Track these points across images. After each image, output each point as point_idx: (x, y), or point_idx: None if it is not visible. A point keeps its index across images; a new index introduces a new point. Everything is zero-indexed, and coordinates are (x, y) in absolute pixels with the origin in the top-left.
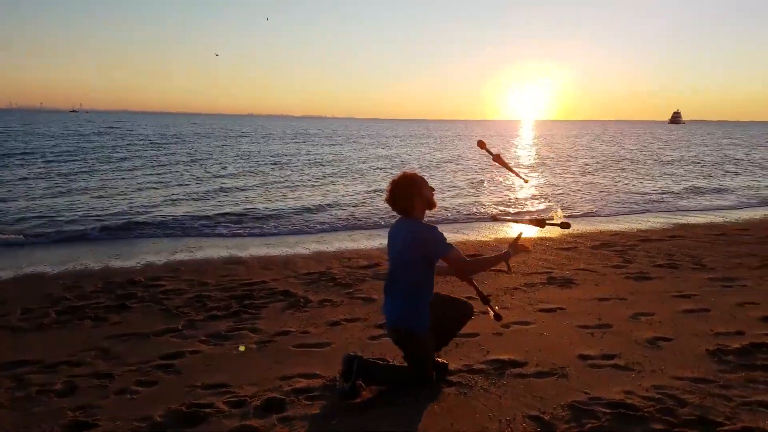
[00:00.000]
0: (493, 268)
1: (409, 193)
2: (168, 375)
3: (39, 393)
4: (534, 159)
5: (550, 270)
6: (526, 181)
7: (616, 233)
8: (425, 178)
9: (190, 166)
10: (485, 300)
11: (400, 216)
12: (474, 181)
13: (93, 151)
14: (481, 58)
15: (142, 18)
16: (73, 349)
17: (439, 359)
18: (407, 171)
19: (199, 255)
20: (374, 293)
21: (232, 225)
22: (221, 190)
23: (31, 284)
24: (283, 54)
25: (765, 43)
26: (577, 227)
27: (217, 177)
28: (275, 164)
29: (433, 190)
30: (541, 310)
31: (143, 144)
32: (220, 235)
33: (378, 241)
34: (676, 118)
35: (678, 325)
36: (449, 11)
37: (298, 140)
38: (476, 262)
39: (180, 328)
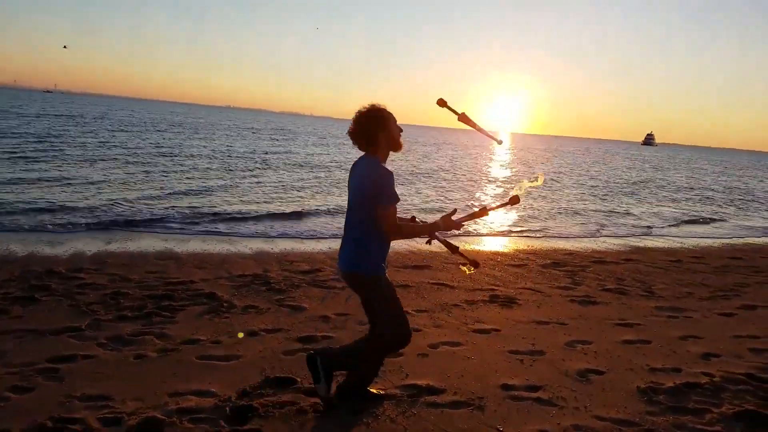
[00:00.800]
0: (423, 237)
1: (374, 125)
2: (49, 381)
3: None
4: (511, 172)
5: (495, 287)
6: (499, 142)
7: (570, 252)
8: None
9: (157, 157)
10: (454, 249)
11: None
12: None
13: (63, 137)
14: (457, 65)
15: (122, 2)
16: None
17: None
18: (377, 103)
19: (134, 248)
20: (305, 301)
21: (183, 220)
22: (182, 184)
23: None
24: (267, 48)
25: (740, 73)
26: (532, 244)
27: (181, 171)
28: (241, 161)
29: (401, 130)
30: (475, 331)
31: (113, 131)
32: (166, 229)
33: (327, 245)
34: (649, 140)
35: (613, 357)
36: (427, 15)
37: (278, 137)
38: (404, 227)
39: (83, 327)
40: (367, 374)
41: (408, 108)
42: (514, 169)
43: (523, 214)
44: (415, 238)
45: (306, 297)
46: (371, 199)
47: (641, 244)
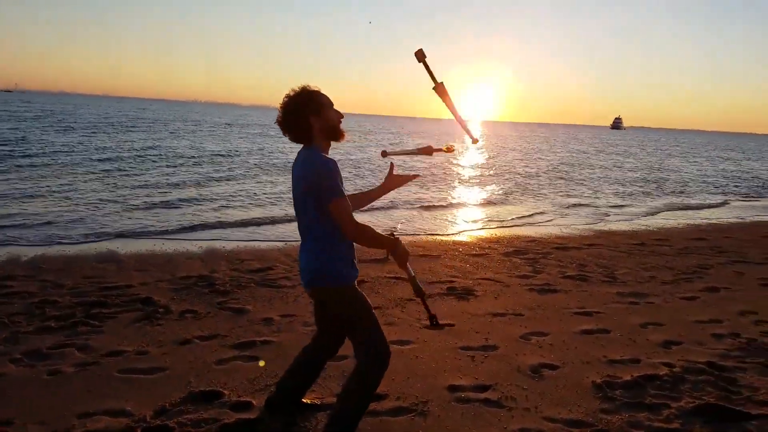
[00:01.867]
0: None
1: (303, 112)
2: None
3: None
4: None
5: (453, 279)
6: (474, 141)
7: (532, 239)
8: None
9: (117, 152)
10: (419, 293)
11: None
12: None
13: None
14: (430, 56)
15: None
16: None
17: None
18: (308, 85)
19: (73, 251)
20: (250, 303)
21: (134, 218)
22: (143, 182)
23: None
24: (238, 40)
25: (710, 51)
26: (496, 232)
27: (142, 171)
28: (205, 157)
29: (341, 116)
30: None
31: (77, 130)
32: (111, 230)
33: (284, 240)
34: (617, 124)
35: (570, 350)
36: (394, 7)
37: (249, 132)
38: (368, 229)
39: None
40: (354, 413)
41: (384, 99)
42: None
43: (492, 206)
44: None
45: (252, 298)
46: (316, 200)
47: (605, 228)
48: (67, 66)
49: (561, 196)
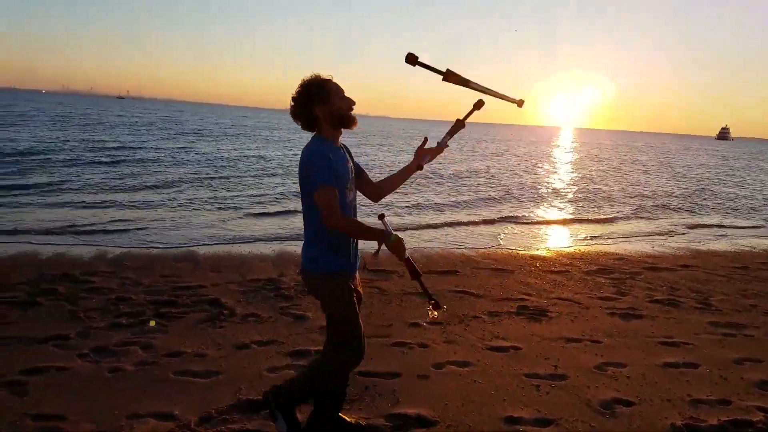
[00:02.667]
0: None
1: (309, 100)
2: (12, 395)
3: None
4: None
5: (526, 297)
6: (519, 103)
7: (620, 257)
8: None
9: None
10: (415, 275)
11: None
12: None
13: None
14: (523, 61)
15: (186, 13)
16: None
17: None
18: (318, 74)
19: (157, 250)
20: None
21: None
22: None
23: None
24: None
25: None
26: (580, 248)
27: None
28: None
29: (352, 102)
30: (491, 348)
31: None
32: (193, 228)
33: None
34: (724, 134)
35: (649, 385)
36: (487, 13)
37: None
38: (352, 219)
39: (71, 336)
40: (327, 402)
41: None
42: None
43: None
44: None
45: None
46: (308, 188)
47: (703, 248)
48: (174, 75)
49: (669, 211)
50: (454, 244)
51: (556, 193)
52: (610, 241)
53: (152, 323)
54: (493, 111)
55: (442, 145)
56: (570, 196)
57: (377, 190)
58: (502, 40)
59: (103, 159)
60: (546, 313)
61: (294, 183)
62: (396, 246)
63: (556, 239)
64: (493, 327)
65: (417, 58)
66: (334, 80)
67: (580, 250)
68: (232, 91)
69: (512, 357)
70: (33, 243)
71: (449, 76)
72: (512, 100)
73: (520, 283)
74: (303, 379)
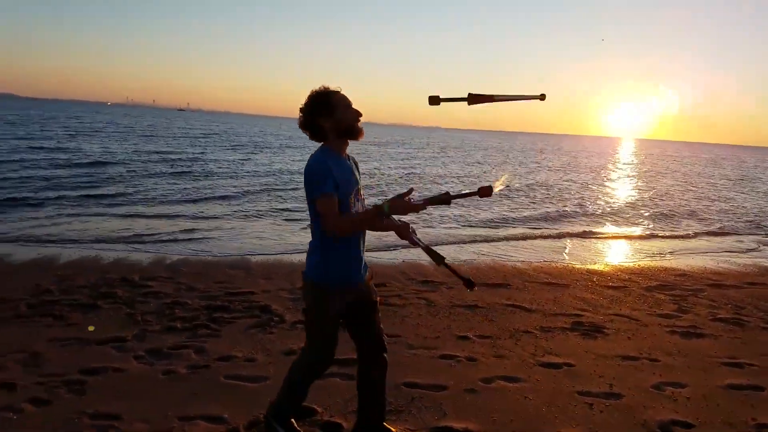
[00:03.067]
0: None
1: (314, 112)
2: (70, 394)
3: None
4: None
5: (581, 312)
6: (541, 98)
7: (683, 273)
8: None
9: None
10: (438, 260)
11: None
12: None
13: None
14: (580, 72)
15: (245, 29)
16: (6, 349)
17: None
18: (326, 86)
19: (212, 257)
20: None
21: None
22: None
23: (34, 270)
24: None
25: None
26: (639, 262)
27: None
28: None
29: (359, 114)
30: (543, 365)
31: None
32: (250, 236)
33: (402, 256)
34: None
35: (710, 407)
36: (545, 18)
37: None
38: (347, 218)
39: (128, 338)
40: (283, 399)
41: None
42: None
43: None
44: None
45: None
46: (309, 196)
47: None
48: (233, 88)
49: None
50: (505, 256)
51: (616, 205)
52: (671, 256)
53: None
54: (553, 121)
55: (417, 205)
56: (630, 208)
57: None
58: (558, 49)
59: (168, 170)
60: (602, 330)
61: None
62: (393, 208)
63: (614, 253)
64: (545, 342)
65: (439, 96)
66: (342, 92)
67: (639, 265)
68: (289, 104)
69: (565, 374)
70: (95, 248)
71: (473, 100)
72: (534, 97)
73: (575, 298)
74: (283, 383)
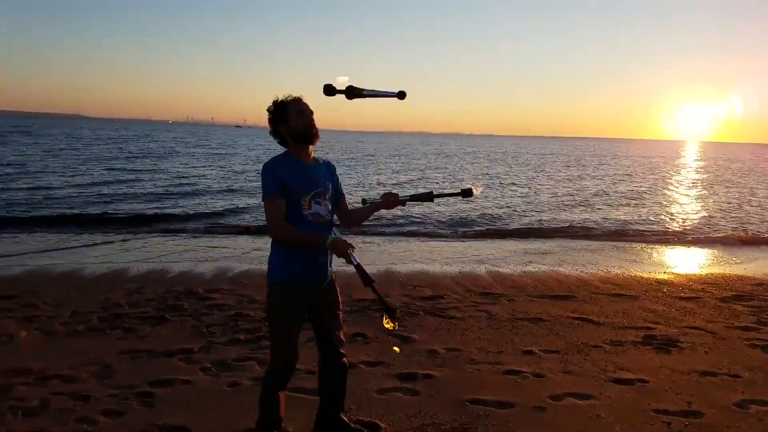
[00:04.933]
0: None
1: (272, 119)
2: (140, 406)
3: (11, 408)
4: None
5: (653, 325)
6: (399, 96)
7: (760, 283)
8: None
9: None
10: (368, 283)
11: None
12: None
13: None
14: (642, 75)
15: (296, 47)
16: (80, 361)
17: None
18: (283, 95)
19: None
20: (417, 332)
21: None
22: None
23: (105, 284)
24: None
25: None
26: (713, 271)
27: None
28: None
29: (307, 120)
30: (615, 381)
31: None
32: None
33: (458, 268)
34: None
35: None
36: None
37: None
38: (292, 228)
39: (195, 350)
40: (260, 418)
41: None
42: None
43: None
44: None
45: (419, 327)
46: None
47: None
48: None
49: None
50: (569, 265)
51: (685, 211)
52: (746, 264)
53: (396, 349)
54: (614, 126)
55: (402, 201)
56: (700, 214)
57: (346, 219)
58: (619, 51)
59: (234, 187)
60: (676, 344)
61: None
62: (334, 246)
63: (685, 262)
64: (616, 357)
65: (335, 88)
66: (300, 99)
67: (712, 274)
68: (332, 119)
69: (639, 391)
70: (163, 262)
71: (330, 91)
72: (392, 95)
73: (646, 310)
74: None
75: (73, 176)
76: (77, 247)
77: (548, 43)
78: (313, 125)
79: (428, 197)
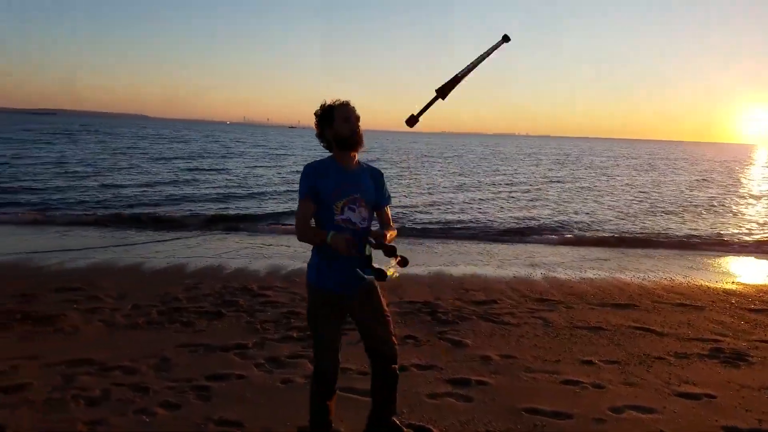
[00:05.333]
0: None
1: (320, 124)
2: (197, 400)
3: (74, 397)
4: None
5: (720, 337)
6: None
7: None
8: None
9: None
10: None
11: None
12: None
13: None
14: (712, 75)
15: (352, 49)
16: (140, 353)
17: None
18: (329, 100)
19: None
20: (470, 336)
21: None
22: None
23: (165, 278)
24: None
25: None
26: None
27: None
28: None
29: (352, 127)
30: (679, 395)
31: None
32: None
33: (513, 272)
34: None
35: None
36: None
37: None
38: (308, 229)
39: (249, 345)
40: (310, 413)
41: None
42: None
43: None
44: None
45: (471, 332)
46: None
47: None
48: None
49: None
50: (630, 273)
51: (754, 218)
52: None
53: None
54: (682, 129)
55: (351, 247)
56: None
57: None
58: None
59: (294, 188)
60: (745, 358)
61: (466, 208)
62: (333, 242)
63: (754, 272)
64: (680, 370)
65: (413, 115)
66: (347, 105)
67: None
68: (384, 119)
69: (705, 406)
70: (220, 258)
71: (442, 92)
72: (499, 44)
73: (712, 322)
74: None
75: (138, 174)
76: (140, 243)
77: (611, 43)
78: (357, 132)
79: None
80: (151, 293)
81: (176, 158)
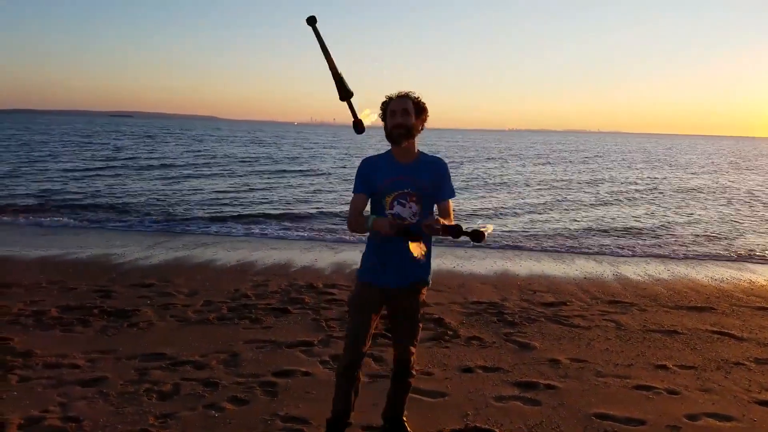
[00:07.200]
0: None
1: (381, 116)
2: (264, 396)
3: (146, 391)
4: None
5: None
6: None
7: None
8: None
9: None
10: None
11: None
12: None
13: None
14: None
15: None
16: (210, 348)
17: None
18: (403, 94)
19: None
20: (537, 339)
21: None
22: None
23: (234, 275)
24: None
25: None
26: None
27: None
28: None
29: (397, 122)
30: (760, 403)
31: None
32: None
33: (583, 272)
34: None
35: None
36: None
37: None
38: (348, 221)
39: (315, 342)
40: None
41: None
42: None
43: None
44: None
45: (539, 334)
46: None
47: None
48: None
49: None
50: (706, 274)
51: None
52: None
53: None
54: (718, 124)
55: (395, 226)
56: None
57: None
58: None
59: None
60: None
61: (537, 212)
62: (375, 226)
63: None
64: (761, 377)
65: (355, 122)
66: (406, 98)
67: None
68: (452, 116)
69: None
70: (287, 256)
71: (346, 94)
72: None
73: None
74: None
75: (212, 176)
76: (211, 242)
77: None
78: (402, 125)
79: (456, 232)
80: (221, 289)
81: (254, 162)
